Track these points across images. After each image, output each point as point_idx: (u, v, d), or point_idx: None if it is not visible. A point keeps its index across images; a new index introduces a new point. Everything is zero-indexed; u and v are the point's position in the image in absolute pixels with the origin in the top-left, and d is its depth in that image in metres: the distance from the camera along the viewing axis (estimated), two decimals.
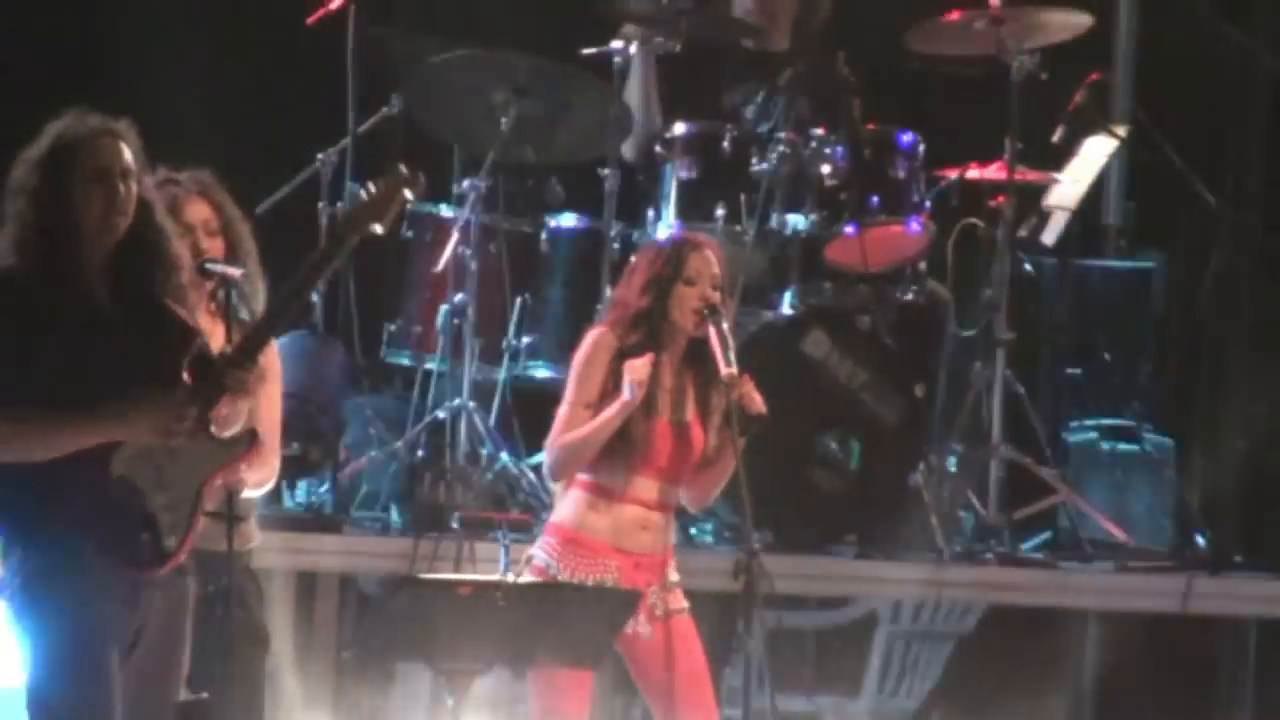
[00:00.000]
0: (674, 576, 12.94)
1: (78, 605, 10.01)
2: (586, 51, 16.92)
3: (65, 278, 10.46)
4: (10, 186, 10.38)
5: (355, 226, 12.19)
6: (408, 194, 12.66)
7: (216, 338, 11.19)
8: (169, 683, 10.26)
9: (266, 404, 11.93)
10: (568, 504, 12.81)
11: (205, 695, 10.98)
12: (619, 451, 12.73)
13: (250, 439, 10.52)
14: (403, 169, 12.60)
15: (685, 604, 12.89)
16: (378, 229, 12.35)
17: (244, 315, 11.99)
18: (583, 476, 12.79)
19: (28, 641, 9.94)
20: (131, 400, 10.15)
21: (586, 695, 12.94)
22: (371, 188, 12.14)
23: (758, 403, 12.48)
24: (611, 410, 12.58)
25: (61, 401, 10.23)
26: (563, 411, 12.91)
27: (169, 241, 10.71)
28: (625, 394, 12.53)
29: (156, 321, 10.49)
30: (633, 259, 13.69)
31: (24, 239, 10.42)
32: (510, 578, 12.67)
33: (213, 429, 10.25)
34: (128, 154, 10.35)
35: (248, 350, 10.56)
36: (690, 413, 12.79)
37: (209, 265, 11.82)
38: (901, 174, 16.61)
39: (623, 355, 12.83)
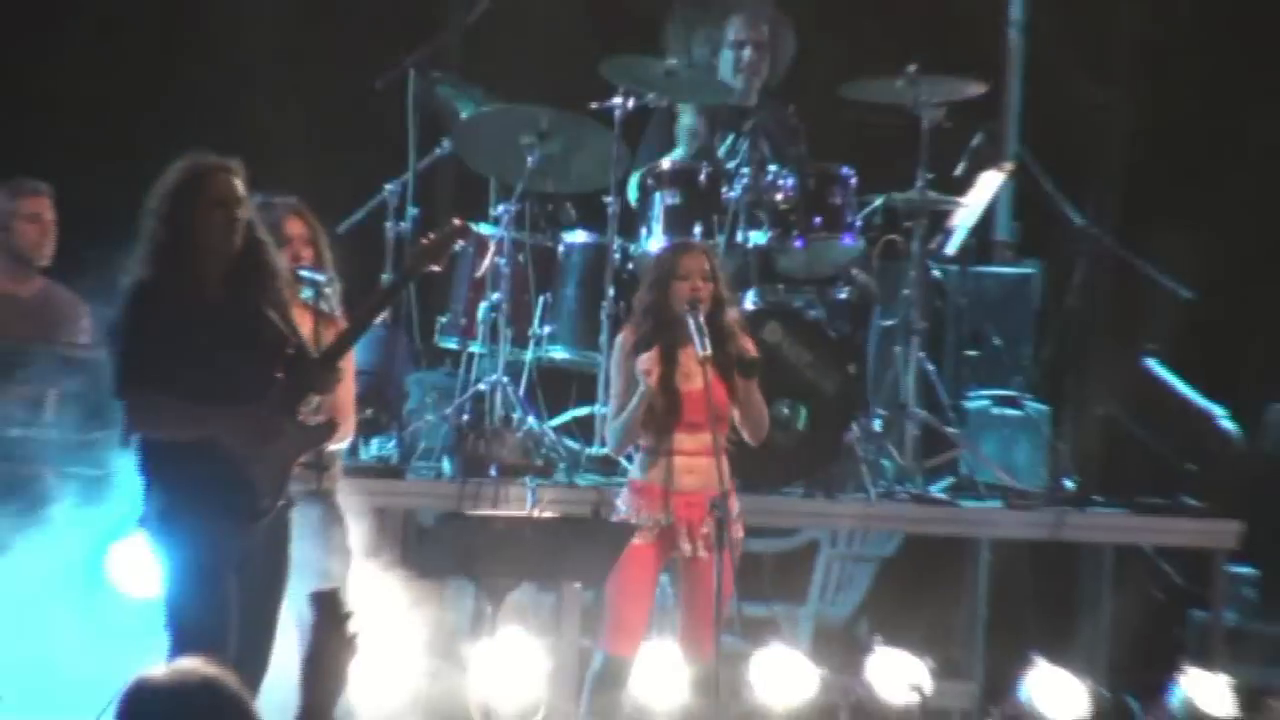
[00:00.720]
0: (735, 509, 15.83)
1: (198, 535, 13.08)
2: (594, 105, 19.19)
3: (189, 287, 13.49)
4: (145, 211, 13.43)
5: (419, 265, 15.27)
6: (459, 242, 16.10)
7: (305, 325, 14.85)
8: (273, 594, 13.38)
9: (344, 387, 15.10)
10: (635, 464, 16.31)
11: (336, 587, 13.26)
12: (657, 420, 15.96)
13: (330, 429, 14.19)
14: (455, 222, 15.50)
15: (740, 535, 16.06)
16: (436, 268, 15.31)
17: (325, 308, 15.41)
18: (640, 442, 16.12)
19: (162, 563, 13.22)
20: (241, 415, 13.37)
21: (644, 604, 16.21)
22: (432, 235, 15.46)
23: (751, 350, 15.99)
24: (635, 399, 15.78)
25: (189, 389, 13.31)
26: (611, 400, 16.54)
27: (270, 254, 13.89)
28: (640, 384, 15.70)
29: (259, 324, 13.58)
30: (643, 266, 18.13)
31: (156, 255, 13.42)
32: (535, 514, 17.04)
33: (301, 418, 13.83)
34: (239, 186, 13.43)
35: (332, 357, 14.02)
36: (711, 376, 15.58)
37: (301, 272, 15.34)
38: (839, 200, 19.02)
39: (638, 346, 16.00)
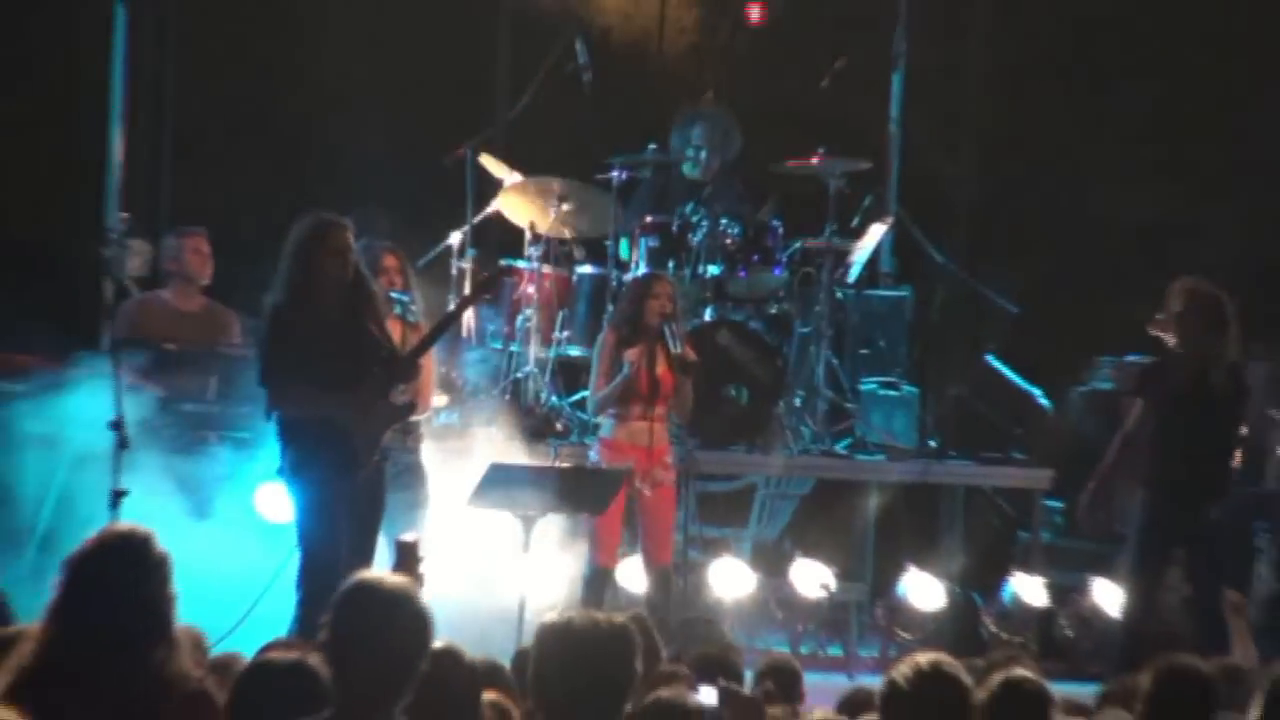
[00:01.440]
0: (668, 460, 17.43)
1: (317, 483, 14.61)
2: (597, 177, 20.01)
3: (313, 308, 14.76)
4: (282, 253, 14.84)
5: (476, 297, 17.80)
6: (507, 279, 18.62)
7: (396, 333, 16.25)
8: (373, 524, 14.78)
9: (425, 376, 16.63)
10: (605, 426, 17.67)
11: (418, 536, 12.71)
12: (626, 395, 17.30)
13: (411, 407, 15.80)
14: (503, 264, 18.60)
15: (673, 477, 17.44)
16: (488, 299, 18.05)
17: (410, 320, 16.83)
18: (609, 410, 17.43)
19: (293, 501, 14.86)
20: (346, 398, 14.77)
21: (617, 528, 17.46)
22: (486, 274, 17.74)
23: (692, 356, 17.23)
24: (618, 380, 17.15)
25: (311, 380, 14.82)
26: (593, 380, 17.80)
27: (370, 284, 15.39)
28: (625, 370, 17.12)
29: (361, 334, 14.91)
30: (625, 288, 18.70)
31: (290, 285, 14.79)
32: (556, 464, 18.25)
33: (392, 398, 15.38)
34: (349, 237, 14.91)
35: (414, 357, 15.48)
36: (661, 369, 17.02)
37: (393, 294, 16.68)
38: (770, 243, 20.01)
39: (620, 344, 17.36)
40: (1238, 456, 16.70)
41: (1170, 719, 9.04)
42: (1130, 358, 18.56)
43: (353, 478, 14.83)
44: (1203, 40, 22.98)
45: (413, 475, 16.57)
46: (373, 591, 8.03)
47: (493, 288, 17.97)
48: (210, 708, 7.99)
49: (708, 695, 9.31)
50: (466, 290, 19.17)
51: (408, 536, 10.69)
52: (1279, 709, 7.97)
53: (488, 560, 16.69)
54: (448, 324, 16.98)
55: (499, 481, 16.27)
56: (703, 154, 20.86)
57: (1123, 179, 22.23)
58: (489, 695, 8.87)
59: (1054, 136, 22.76)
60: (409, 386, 16.04)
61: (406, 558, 9.64)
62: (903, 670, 8.45)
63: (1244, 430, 17.13)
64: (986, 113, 23.09)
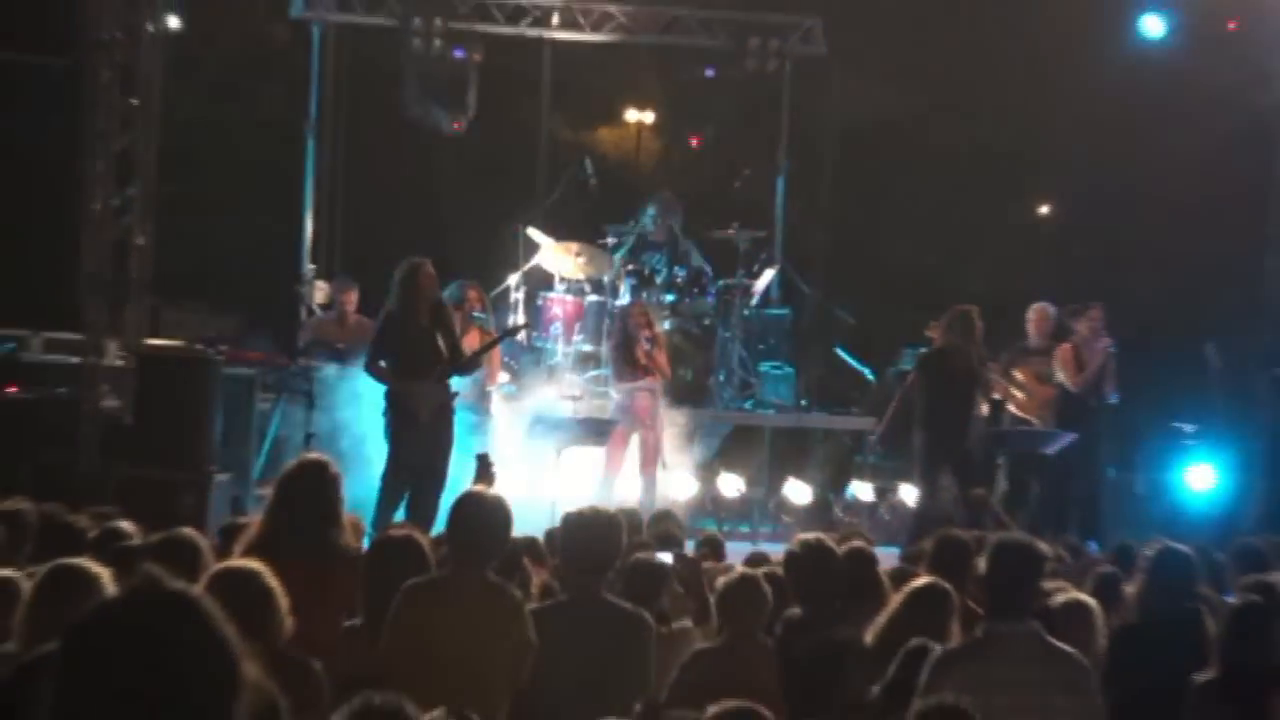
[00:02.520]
0: (652, 413, 17.25)
1: (390, 428, 14.57)
2: (600, 240, 19.73)
3: (407, 320, 14.76)
4: (394, 281, 14.72)
5: (511, 334, 17.48)
6: (540, 313, 18.56)
7: (477, 339, 16.72)
8: (442, 452, 14.47)
9: (494, 363, 17.19)
10: (621, 395, 17.45)
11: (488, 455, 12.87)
12: (634, 376, 17.15)
13: (448, 392, 15.02)
14: (524, 323, 18.13)
15: (660, 423, 17.27)
16: (518, 336, 17.75)
17: (486, 329, 17.29)
18: (622, 384, 17.24)
19: (386, 438, 14.47)
20: (413, 381, 14.51)
21: (621, 454, 17.30)
22: (515, 326, 17.91)
23: (662, 361, 17.38)
24: (621, 365, 17.26)
25: (396, 368, 14.80)
26: (609, 366, 17.83)
27: (446, 309, 15.31)
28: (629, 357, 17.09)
29: (433, 340, 14.69)
30: (617, 311, 18.57)
31: (396, 303, 14.88)
32: (575, 416, 17.48)
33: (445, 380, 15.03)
34: (433, 274, 14.93)
35: (476, 357, 15.58)
36: (641, 358, 16.92)
37: (474, 314, 17.32)
38: (705, 281, 19.85)
39: (616, 346, 17.60)
40: (984, 408, 16.84)
41: (943, 569, 8.64)
42: (919, 349, 17.62)
43: (414, 428, 14.80)
44: (962, 146, 22.05)
45: (484, 422, 16.98)
46: (479, 497, 8.55)
47: (519, 331, 17.80)
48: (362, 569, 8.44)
49: (665, 556, 9.72)
50: (520, 312, 19.13)
51: (482, 453, 10.77)
52: (998, 563, 7.50)
53: (533, 473, 16.30)
54: (496, 343, 16.75)
55: (541, 426, 16.55)
56: (658, 223, 20.34)
57: (915, 238, 21.63)
58: (528, 558, 9.43)
59: (871, 212, 22.14)
60: (488, 368, 17.05)
61: (483, 467, 9.98)
62: (797, 542, 9.12)
63: (992, 394, 17.34)
64: (832, 200, 22.34)
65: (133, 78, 16.76)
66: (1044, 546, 8.51)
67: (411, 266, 15.21)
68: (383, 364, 15.10)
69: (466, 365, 15.58)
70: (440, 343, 15.03)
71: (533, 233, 19.54)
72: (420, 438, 14.80)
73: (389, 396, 15.04)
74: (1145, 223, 19.59)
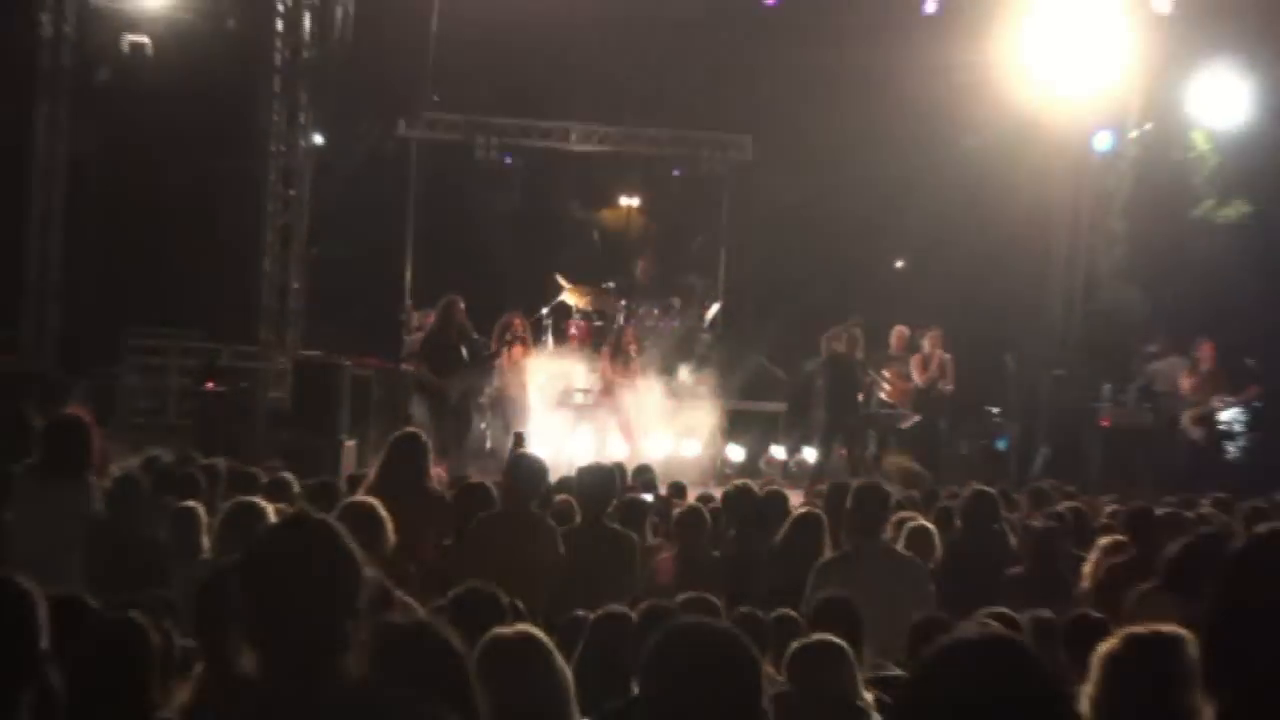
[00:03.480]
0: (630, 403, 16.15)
1: (427, 409, 14.11)
2: (603, 285, 18.66)
3: (445, 336, 14.42)
4: (437, 309, 14.49)
5: (494, 356, 15.72)
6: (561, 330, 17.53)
7: (521, 352, 15.98)
8: (467, 423, 14.63)
9: (520, 369, 16.03)
10: (603, 386, 16.47)
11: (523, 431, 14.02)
12: (620, 376, 16.20)
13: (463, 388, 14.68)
14: (509, 335, 15.98)
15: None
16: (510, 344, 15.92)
17: (526, 345, 16.17)
18: (607, 379, 16.28)
19: (432, 416, 13.78)
20: (441, 375, 13.86)
21: (628, 426, 16.11)
22: (511, 338, 15.95)
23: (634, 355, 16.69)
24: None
25: (433, 366, 14.27)
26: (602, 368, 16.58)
27: (469, 329, 14.81)
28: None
29: (459, 349, 14.32)
30: (615, 330, 17.27)
31: (438, 324, 14.65)
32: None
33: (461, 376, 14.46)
34: (461, 304, 14.49)
35: (486, 361, 15.04)
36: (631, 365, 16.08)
37: (517, 335, 16.03)
38: (673, 313, 18.63)
39: (613, 356, 16.62)
40: (861, 397, 16.55)
41: (831, 505, 8.24)
42: (818, 357, 16.67)
43: (444, 409, 14.54)
44: (845, 217, 20.27)
45: (521, 406, 16.11)
46: (524, 458, 8.77)
47: (495, 358, 16.03)
48: (447, 505, 8.20)
49: (646, 495, 9.82)
50: (550, 334, 18.17)
51: (518, 431, 11.88)
52: (860, 499, 7.38)
53: (555, 440, 15.55)
54: (494, 357, 15.85)
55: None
56: (642, 274, 19.77)
57: (817, 279, 19.94)
58: (559, 497, 9.11)
59: (784, 263, 20.52)
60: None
61: (518, 441, 10.69)
62: (731, 485, 9.43)
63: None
64: (758, 255, 20.67)
65: (290, 176, 16.98)
66: (890, 487, 8.70)
67: (448, 301, 15.02)
68: (418, 363, 14.99)
69: (475, 367, 15.31)
70: (462, 351, 14.85)
71: (558, 278, 18.80)
72: (451, 410, 14.63)
73: (424, 385, 14.81)
74: (964, 270, 18.88)
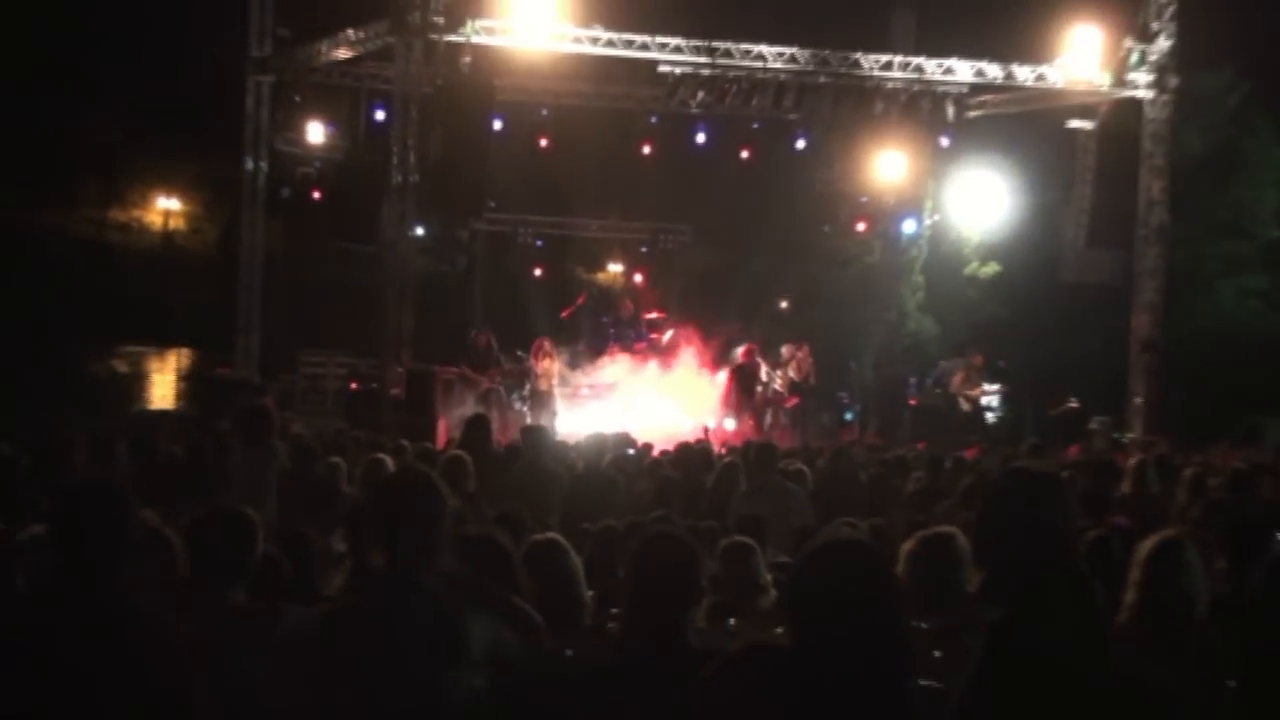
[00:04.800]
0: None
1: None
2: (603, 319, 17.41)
3: (473, 352, 13.56)
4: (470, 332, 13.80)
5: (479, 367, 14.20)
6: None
7: (554, 364, 14.40)
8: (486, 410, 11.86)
9: (550, 368, 14.25)
10: (602, 381, 15.29)
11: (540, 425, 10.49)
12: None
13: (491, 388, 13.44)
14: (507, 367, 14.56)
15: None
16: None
17: (554, 359, 14.47)
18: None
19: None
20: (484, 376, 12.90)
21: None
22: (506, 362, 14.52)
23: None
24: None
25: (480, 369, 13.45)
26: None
27: (496, 351, 13.77)
28: None
29: (488, 361, 13.44)
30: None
31: (471, 348, 13.65)
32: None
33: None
34: (487, 332, 13.81)
35: (491, 365, 13.53)
36: None
37: (550, 350, 14.59)
38: (643, 336, 17.04)
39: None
40: (759, 387, 15.46)
41: (746, 456, 7.59)
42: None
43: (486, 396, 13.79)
44: (745, 274, 19.70)
45: (549, 398, 14.83)
46: (536, 429, 8.22)
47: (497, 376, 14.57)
48: (500, 459, 7.52)
49: (630, 452, 8.98)
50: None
51: (526, 425, 9.61)
52: (756, 452, 7.03)
53: (571, 418, 14.36)
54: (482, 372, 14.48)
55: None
56: (624, 311, 17.98)
57: (730, 315, 18.52)
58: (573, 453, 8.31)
59: (713, 305, 19.08)
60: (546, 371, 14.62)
61: (527, 429, 7.79)
62: (676, 445, 8.74)
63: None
64: (698, 298, 19.53)
65: (400, 256, 15.10)
66: (776, 443, 8.56)
67: (480, 326, 14.89)
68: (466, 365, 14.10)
69: (513, 368, 14.57)
70: (478, 365, 14.22)
71: (566, 313, 17.67)
72: (485, 401, 13.79)
73: (468, 378, 14.03)
74: (824, 308, 18.81)
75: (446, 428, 12.82)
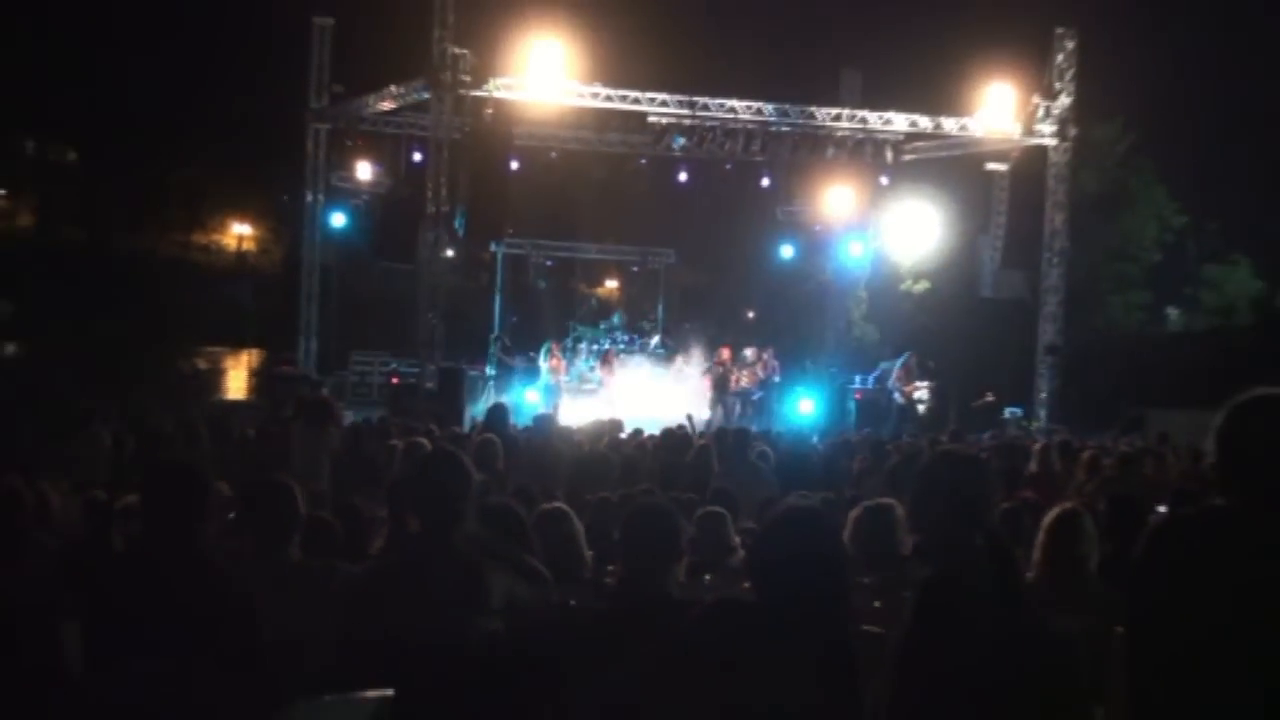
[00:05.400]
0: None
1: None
2: (603, 324, 17.12)
3: (504, 354, 13.51)
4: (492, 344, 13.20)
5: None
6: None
7: (556, 364, 14.39)
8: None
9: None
10: (602, 377, 14.74)
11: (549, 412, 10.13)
12: (608, 374, 14.60)
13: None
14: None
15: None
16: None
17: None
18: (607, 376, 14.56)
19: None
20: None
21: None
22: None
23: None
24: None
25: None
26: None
27: (512, 359, 13.90)
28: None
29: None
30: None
31: (504, 351, 13.35)
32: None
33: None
34: (507, 342, 13.59)
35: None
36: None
37: (553, 353, 14.70)
38: (636, 340, 16.61)
39: (606, 364, 14.88)
40: (732, 385, 14.97)
41: (718, 441, 7.44)
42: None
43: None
44: (717, 289, 19.50)
45: (559, 391, 14.60)
46: (542, 418, 7.96)
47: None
48: (520, 440, 7.15)
49: (623, 435, 8.57)
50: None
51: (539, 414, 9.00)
52: (736, 437, 6.77)
53: (577, 408, 13.55)
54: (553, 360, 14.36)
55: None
56: (620, 320, 17.88)
57: (700, 323, 18.26)
58: (578, 437, 8.01)
59: (697, 313, 19.23)
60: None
61: (539, 416, 8.47)
62: (665, 429, 8.08)
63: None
64: (679, 308, 19.32)
65: (434, 273, 14.72)
66: (748, 429, 8.02)
67: (500, 334, 15.36)
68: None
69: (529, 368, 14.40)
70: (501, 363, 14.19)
71: (580, 327, 17.27)
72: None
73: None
74: (783, 317, 18.32)
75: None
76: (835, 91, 16.15)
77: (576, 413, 13.86)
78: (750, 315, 20.69)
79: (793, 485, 6.19)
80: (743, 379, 15.76)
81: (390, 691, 1.73)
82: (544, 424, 7.70)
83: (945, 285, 18.31)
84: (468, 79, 13.59)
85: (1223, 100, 18.66)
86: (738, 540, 4.28)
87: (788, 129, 14.85)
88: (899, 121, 14.97)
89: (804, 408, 14.97)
